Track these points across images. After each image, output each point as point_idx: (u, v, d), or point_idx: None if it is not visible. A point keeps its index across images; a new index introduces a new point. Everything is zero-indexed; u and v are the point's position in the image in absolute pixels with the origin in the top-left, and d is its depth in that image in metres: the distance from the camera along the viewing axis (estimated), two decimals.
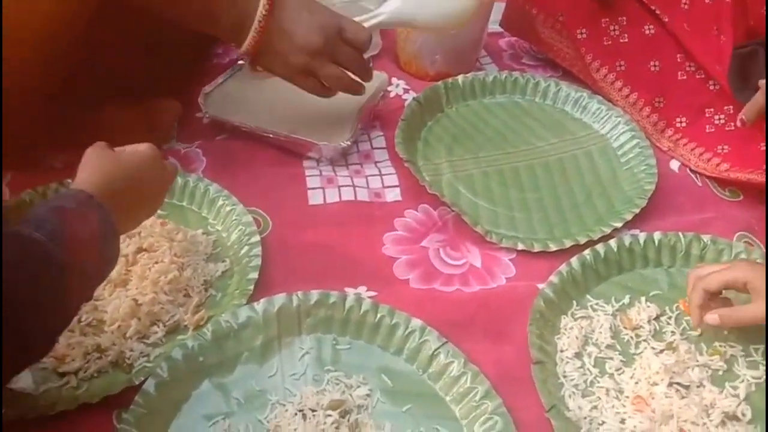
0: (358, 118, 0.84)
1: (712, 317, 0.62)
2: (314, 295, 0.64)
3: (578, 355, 0.64)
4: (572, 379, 0.62)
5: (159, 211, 0.74)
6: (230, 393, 0.59)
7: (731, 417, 0.59)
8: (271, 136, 0.82)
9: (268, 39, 0.70)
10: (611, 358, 0.64)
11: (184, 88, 0.89)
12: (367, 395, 0.60)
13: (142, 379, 0.58)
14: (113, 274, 0.65)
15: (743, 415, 0.59)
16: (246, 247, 0.70)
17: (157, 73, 0.81)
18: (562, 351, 0.64)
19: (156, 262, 0.67)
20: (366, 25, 0.75)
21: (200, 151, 0.83)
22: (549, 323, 0.66)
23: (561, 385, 0.62)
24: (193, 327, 0.64)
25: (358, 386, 0.60)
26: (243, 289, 0.66)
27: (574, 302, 0.68)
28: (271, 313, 0.63)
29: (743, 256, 0.72)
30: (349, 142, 0.82)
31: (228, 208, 0.74)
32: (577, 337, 0.65)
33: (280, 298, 0.63)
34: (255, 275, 0.67)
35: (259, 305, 0.63)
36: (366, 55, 0.77)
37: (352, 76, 0.76)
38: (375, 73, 0.90)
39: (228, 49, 1.00)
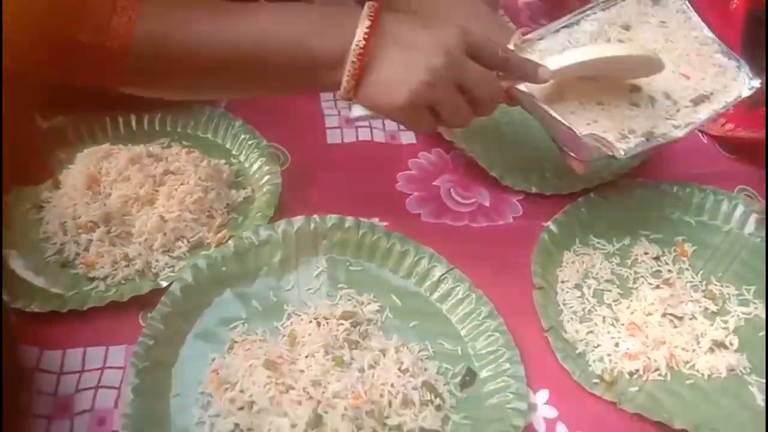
0: None
1: None
2: (331, 219, 0.67)
3: (578, 287, 0.67)
4: (571, 307, 0.65)
5: (183, 142, 0.79)
6: (249, 302, 0.63)
7: (719, 345, 0.63)
8: None
9: (369, 71, 0.57)
10: (609, 291, 0.67)
11: None
12: (377, 311, 0.63)
13: (168, 283, 0.62)
14: (141, 192, 0.69)
15: (731, 344, 0.63)
16: (267, 176, 0.74)
17: None
18: (563, 282, 0.68)
19: (182, 184, 0.70)
20: (552, 67, 0.60)
21: None
22: (552, 257, 0.69)
23: (560, 312, 0.65)
24: (215, 245, 0.68)
25: (369, 303, 0.64)
26: (263, 213, 0.70)
27: (577, 239, 0.71)
28: (289, 233, 0.66)
29: (741, 207, 0.75)
30: None
31: (250, 142, 0.78)
32: (578, 271, 0.68)
33: (298, 220, 0.67)
34: (275, 201, 0.70)
35: (279, 225, 0.66)
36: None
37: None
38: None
39: None
